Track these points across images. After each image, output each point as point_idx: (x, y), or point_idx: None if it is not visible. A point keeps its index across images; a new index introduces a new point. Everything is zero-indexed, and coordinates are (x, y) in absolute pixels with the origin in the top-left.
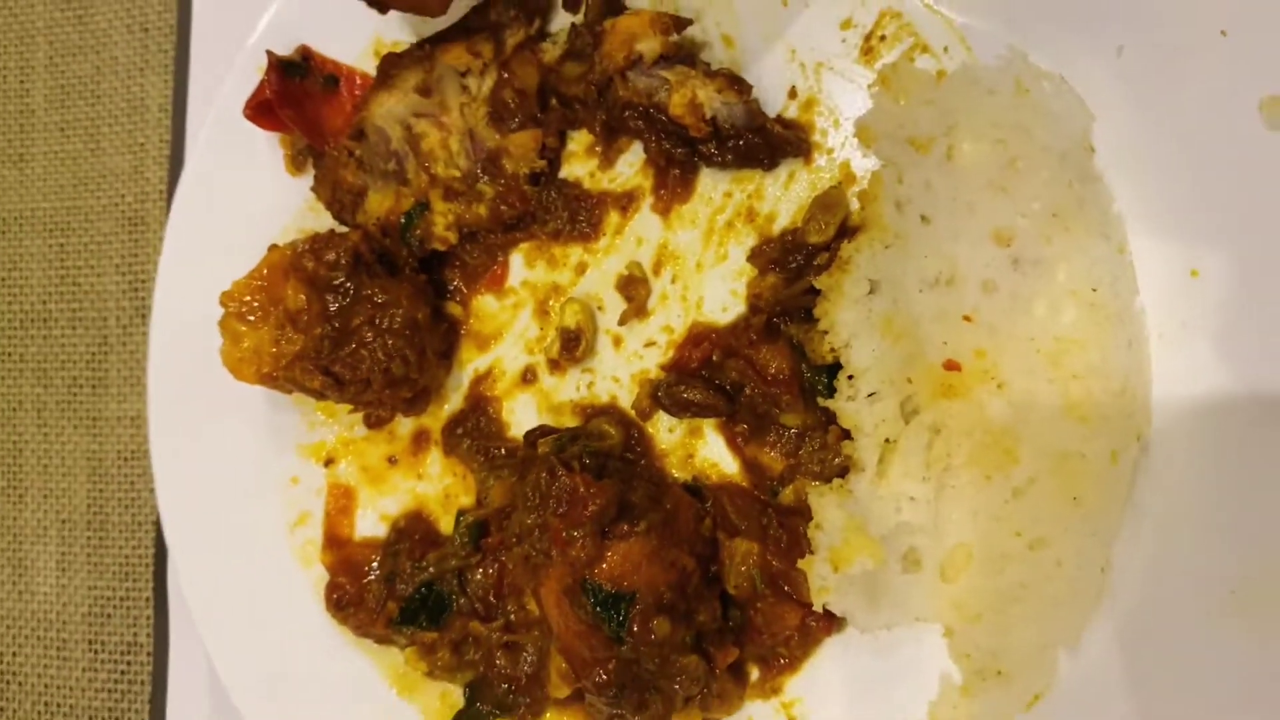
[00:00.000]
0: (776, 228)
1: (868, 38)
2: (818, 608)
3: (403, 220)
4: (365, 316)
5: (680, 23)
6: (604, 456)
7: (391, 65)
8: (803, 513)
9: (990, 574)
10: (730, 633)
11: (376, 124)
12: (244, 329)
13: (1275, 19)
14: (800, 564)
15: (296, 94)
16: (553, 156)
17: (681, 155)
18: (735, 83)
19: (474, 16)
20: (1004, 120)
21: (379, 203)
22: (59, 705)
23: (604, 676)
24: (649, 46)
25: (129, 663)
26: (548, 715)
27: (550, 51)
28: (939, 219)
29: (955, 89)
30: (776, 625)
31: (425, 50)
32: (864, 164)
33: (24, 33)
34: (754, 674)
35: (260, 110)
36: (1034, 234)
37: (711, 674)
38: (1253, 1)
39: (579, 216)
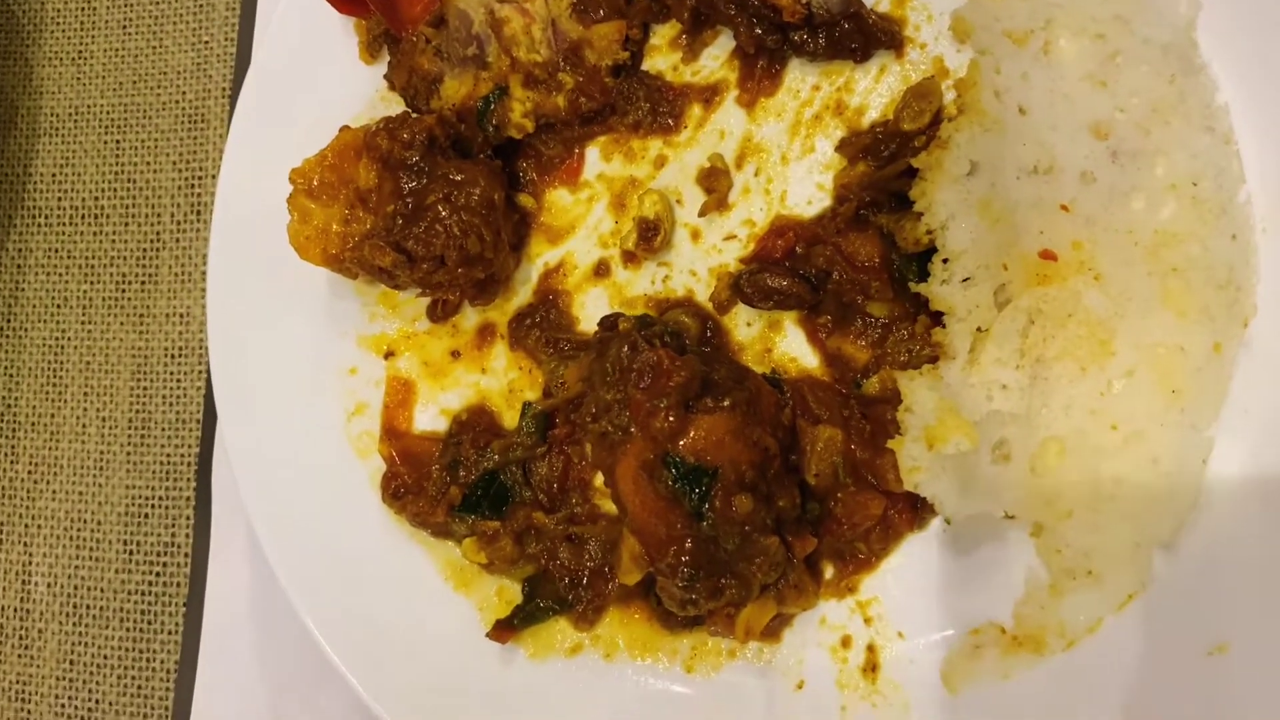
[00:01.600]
0: (866, 120)
1: None
2: (909, 486)
3: (480, 105)
4: (441, 194)
5: None
6: (684, 338)
7: None
8: (888, 402)
9: (1084, 469)
10: (808, 524)
11: (459, 7)
12: (313, 206)
13: None
14: (890, 443)
15: None
16: (636, 49)
17: (773, 42)
18: None
19: None
20: (1103, 13)
21: (455, 88)
22: (89, 608)
23: (682, 556)
24: None
25: (164, 564)
26: (608, 615)
27: None
28: (1036, 110)
29: None
30: (858, 515)
31: None
32: (958, 59)
33: None
34: (828, 573)
35: None
36: (1133, 127)
37: (789, 562)
38: None
39: (660, 108)
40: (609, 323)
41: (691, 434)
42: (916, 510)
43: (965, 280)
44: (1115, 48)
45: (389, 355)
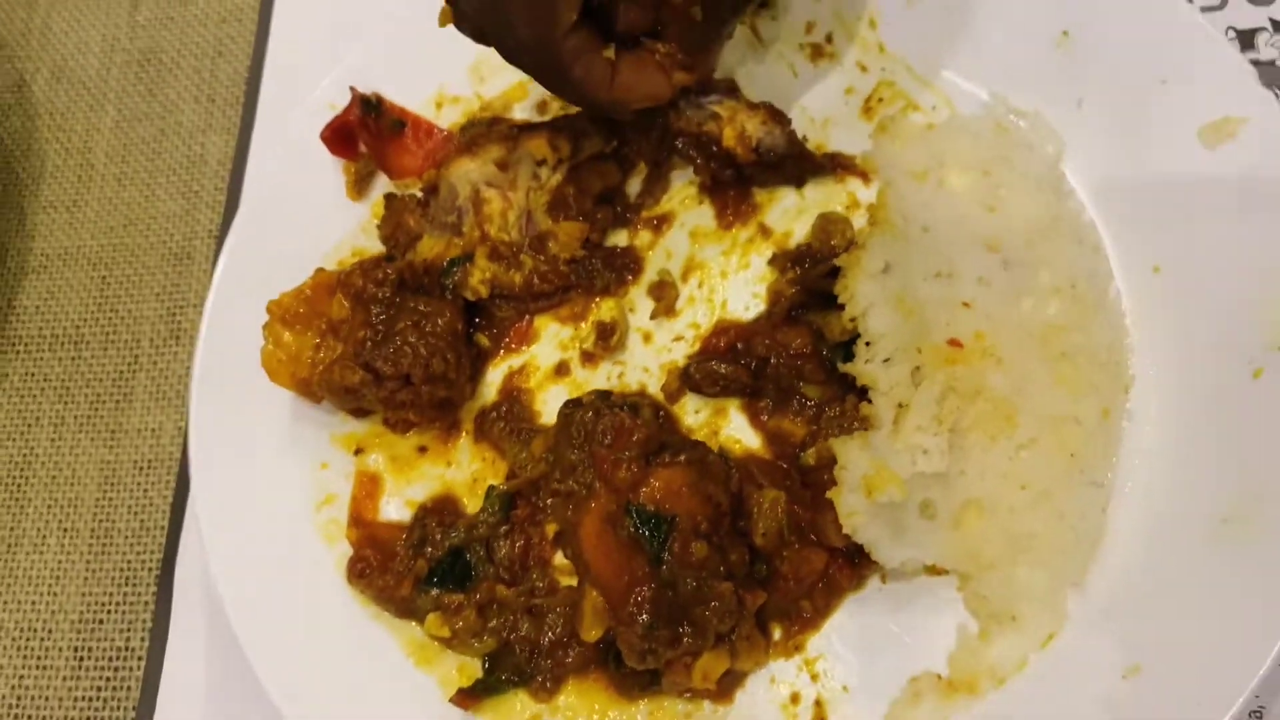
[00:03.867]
0: (792, 243)
1: (867, 100)
2: (848, 530)
3: (446, 264)
4: (409, 321)
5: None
6: (639, 410)
7: (480, 136)
8: (824, 469)
9: (1001, 525)
10: (757, 582)
11: (451, 181)
12: (287, 334)
13: (1203, 69)
14: (829, 494)
15: (371, 128)
16: (599, 239)
17: (729, 177)
18: (775, 114)
19: (563, 119)
20: (987, 155)
21: (430, 246)
22: (30, 717)
23: (643, 601)
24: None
25: (116, 669)
26: (566, 685)
27: (615, 176)
28: (937, 228)
29: (943, 134)
30: (803, 570)
31: (513, 132)
32: (866, 194)
33: (94, 100)
34: (776, 634)
35: (336, 135)
36: (1019, 242)
37: (741, 612)
38: (1183, 56)
39: (624, 271)
40: (572, 402)
41: (652, 484)
42: (855, 567)
43: (885, 360)
44: (999, 181)
45: (358, 451)
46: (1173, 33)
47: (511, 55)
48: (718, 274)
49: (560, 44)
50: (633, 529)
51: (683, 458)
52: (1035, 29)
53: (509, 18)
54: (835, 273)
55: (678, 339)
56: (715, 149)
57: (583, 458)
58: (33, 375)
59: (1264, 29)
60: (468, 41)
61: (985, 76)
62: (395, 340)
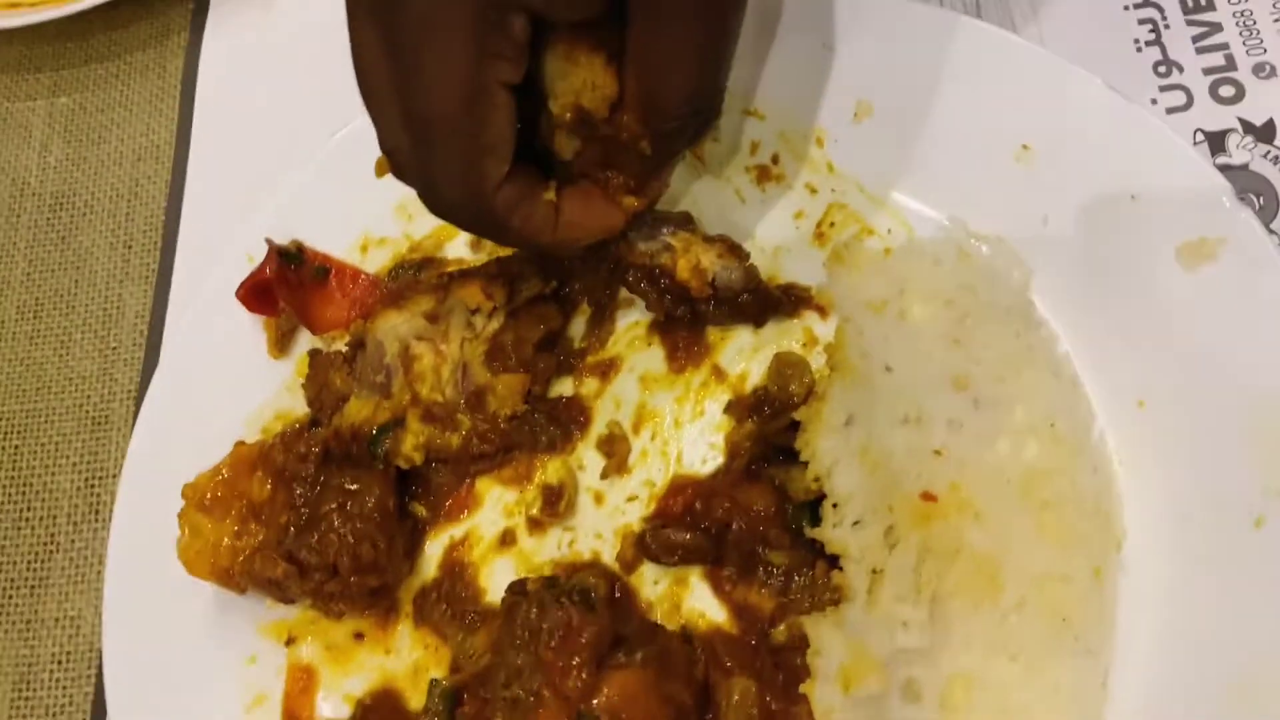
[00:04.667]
0: (749, 385)
1: (819, 224)
2: None
3: (374, 432)
4: (334, 503)
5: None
6: (591, 596)
7: (408, 286)
8: (797, 649)
9: (991, 701)
10: None
11: (377, 337)
12: (205, 521)
13: (1174, 184)
14: (802, 688)
15: (291, 280)
16: (542, 392)
17: (683, 313)
18: (733, 248)
19: (497, 261)
20: (949, 283)
21: (357, 409)
22: None
23: None
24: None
25: None
26: None
27: (555, 319)
28: (900, 368)
29: (902, 260)
30: None
31: (443, 280)
32: (824, 329)
33: (2, 251)
34: None
35: (253, 292)
36: (989, 378)
37: None
38: (1154, 170)
39: (571, 425)
40: (516, 587)
41: (605, 691)
42: None
43: (855, 523)
44: (964, 311)
45: (290, 641)
46: (1139, 145)
47: (444, 213)
48: (671, 423)
49: (493, 200)
50: None
51: (639, 656)
52: (992, 142)
53: (433, 180)
54: (795, 425)
55: (631, 499)
56: (668, 283)
57: (529, 660)
58: None
59: (1233, 130)
60: (392, 181)
61: (942, 197)
62: (320, 526)
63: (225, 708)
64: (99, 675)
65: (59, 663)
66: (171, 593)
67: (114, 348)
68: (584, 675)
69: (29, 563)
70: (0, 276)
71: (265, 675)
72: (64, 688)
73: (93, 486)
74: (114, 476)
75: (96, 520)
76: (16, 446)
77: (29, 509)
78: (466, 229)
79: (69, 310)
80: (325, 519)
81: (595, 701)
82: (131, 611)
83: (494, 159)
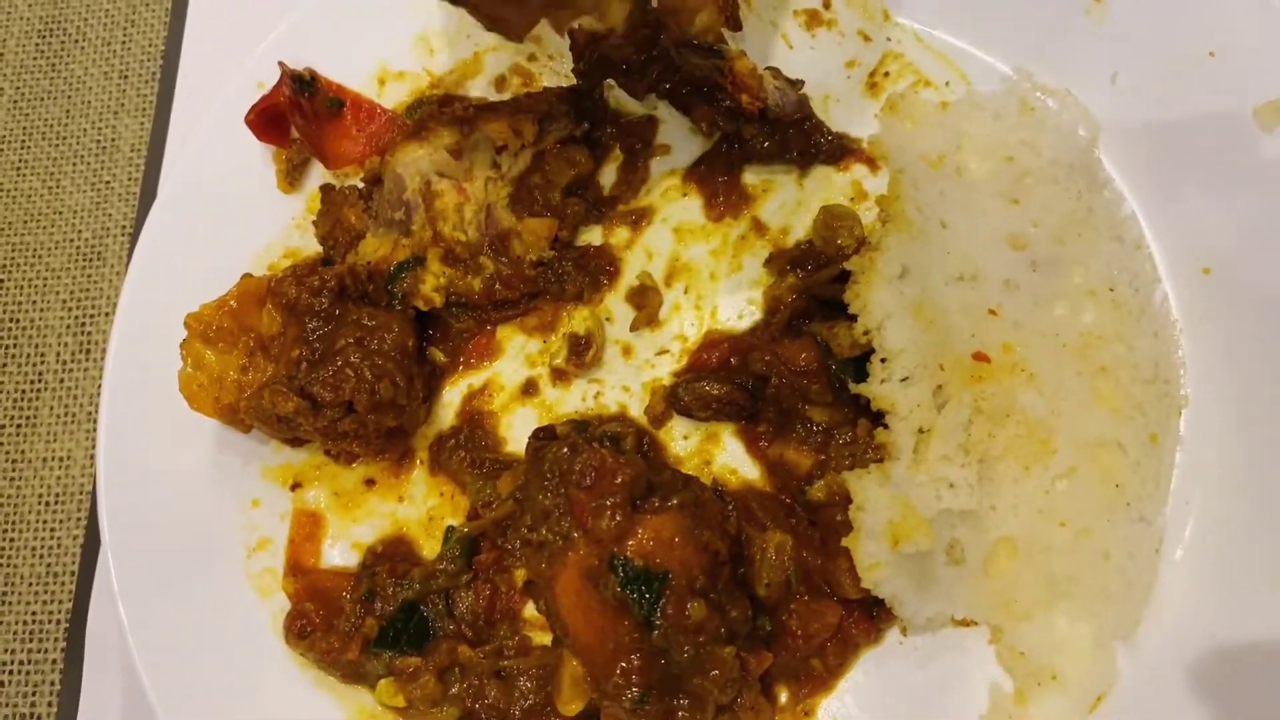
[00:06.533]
0: (792, 240)
1: (872, 74)
2: (868, 585)
3: (393, 269)
4: (352, 338)
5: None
6: (621, 443)
7: (430, 117)
8: (836, 506)
9: (1037, 568)
10: (761, 641)
11: (397, 170)
12: (209, 353)
13: (1255, 38)
14: (845, 541)
15: (305, 109)
16: (569, 239)
17: (728, 137)
18: (787, 77)
19: (527, 99)
20: (1010, 138)
21: (374, 247)
22: None
23: (631, 674)
24: (707, 20)
25: None
26: None
27: (586, 163)
28: (956, 224)
29: (961, 114)
30: (814, 626)
31: (468, 113)
32: (875, 183)
33: None
34: (783, 697)
35: (264, 119)
36: (1048, 239)
37: (745, 679)
38: (1234, 24)
39: (600, 273)
40: (542, 433)
41: (640, 534)
42: (872, 620)
43: (904, 380)
44: (1024, 168)
45: (295, 487)
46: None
47: None
48: (707, 277)
49: None
50: (619, 588)
51: (674, 501)
52: None
53: None
54: (844, 277)
55: (662, 353)
56: (719, 98)
57: (558, 502)
58: None
59: None
60: (413, 9)
61: (1006, 48)
62: (336, 360)
63: (227, 551)
64: (91, 516)
65: (46, 504)
66: (170, 429)
67: (107, 182)
68: (618, 517)
69: (15, 402)
70: None
71: (269, 519)
72: (51, 530)
73: (83, 324)
74: (107, 315)
75: (87, 359)
76: (1, 281)
77: (15, 346)
78: None
79: (59, 141)
80: (342, 354)
81: (629, 544)
82: (127, 449)
83: None
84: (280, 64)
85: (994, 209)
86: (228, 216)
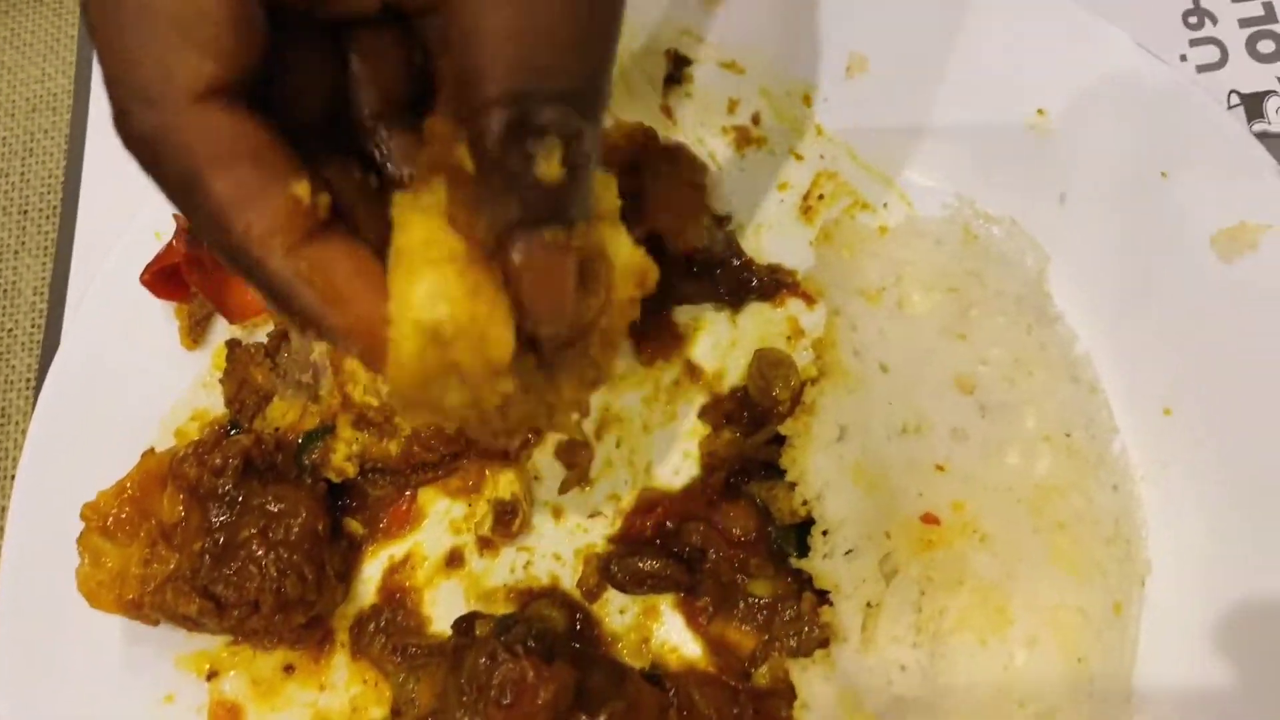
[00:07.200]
0: (726, 385)
1: (805, 197)
2: None
3: (301, 439)
4: (256, 527)
5: None
6: (551, 638)
7: None
8: (781, 695)
9: None
10: None
11: None
12: (108, 546)
13: (1212, 158)
14: None
15: (205, 261)
16: None
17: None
18: (714, 213)
19: None
20: (954, 268)
21: (282, 412)
22: None
23: None
24: None
25: None
26: None
27: None
28: (898, 367)
29: (900, 241)
30: None
31: None
32: (811, 319)
33: None
34: None
35: (160, 276)
36: (997, 379)
37: None
38: (1188, 141)
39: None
40: (463, 626)
41: None
42: None
43: (848, 553)
44: (969, 301)
45: (212, 676)
46: (1171, 113)
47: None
48: (640, 428)
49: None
50: None
51: (603, 716)
52: (1004, 106)
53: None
54: (779, 438)
55: (594, 515)
56: (638, 233)
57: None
58: None
59: (1273, 92)
60: None
61: (946, 169)
62: (240, 555)
63: None
64: None
65: None
66: (73, 625)
67: (9, 329)
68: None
69: None
70: None
71: (184, 716)
72: None
73: None
74: (11, 478)
75: None
76: None
77: None
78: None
79: None
80: (245, 546)
81: None
82: (27, 649)
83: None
84: (175, 216)
85: (939, 347)
86: (130, 380)
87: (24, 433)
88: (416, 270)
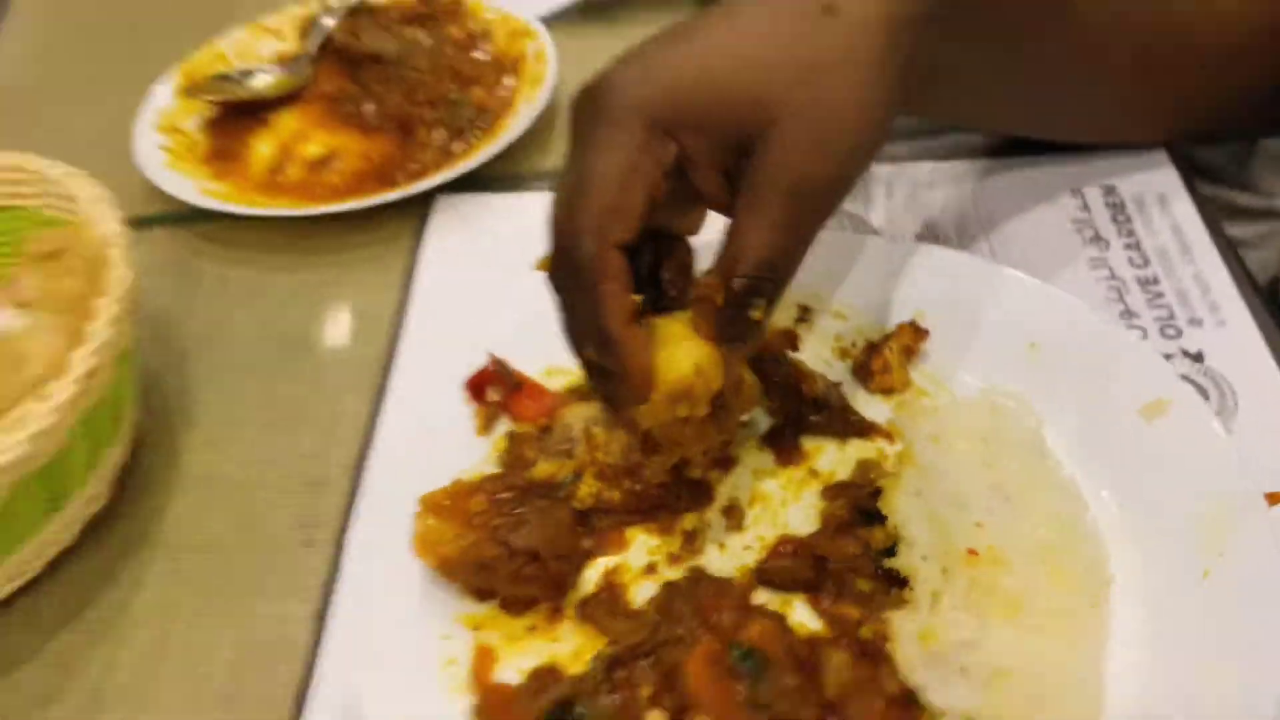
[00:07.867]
0: (837, 479)
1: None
2: (904, 672)
3: (563, 479)
4: (534, 510)
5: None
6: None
7: (589, 391)
8: (880, 643)
9: (1020, 687)
10: None
11: (566, 420)
12: (434, 521)
13: (1136, 369)
14: (887, 646)
15: (503, 381)
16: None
17: (791, 411)
18: (826, 377)
19: None
20: (983, 426)
21: (545, 468)
22: None
23: None
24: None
25: None
26: None
27: None
28: (949, 474)
29: (948, 413)
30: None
31: None
32: (891, 451)
33: (242, 372)
34: None
35: (473, 386)
36: (1014, 485)
37: None
38: (1119, 362)
39: (701, 497)
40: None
41: (751, 627)
42: (908, 708)
43: (923, 558)
44: (995, 448)
45: (476, 629)
46: (1120, 354)
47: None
48: (778, 503)
49: (599, 261)
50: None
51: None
52: (1011, 337)
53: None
54: (877, 494)
55: (747, 548)
56: (786, 390)
57: (687, 609)
58: (173, 575)
59: (1173, 355)
60: None
61: (979, 370)
62: (525, 525)
63: (425, 665)
64: (307, 666)
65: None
66: (404, 579)
67: (332, 438)
68: (733, 614)
69: (249, 580)
70: (238, 390)
71: (457, 647)
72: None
73: (309, 540)
74: (326, 524)
75: (309, 549)
76: (247, 495)
77: (252, 546)
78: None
79: (298, 413)
80: (526, 520)
81: (743, 635)
82: (360, 588)
83: (623, 225)
84: (490, 354)
85: (977, 472)
86: (437, 453)
87: (342, 497)
88: (679, 345)
